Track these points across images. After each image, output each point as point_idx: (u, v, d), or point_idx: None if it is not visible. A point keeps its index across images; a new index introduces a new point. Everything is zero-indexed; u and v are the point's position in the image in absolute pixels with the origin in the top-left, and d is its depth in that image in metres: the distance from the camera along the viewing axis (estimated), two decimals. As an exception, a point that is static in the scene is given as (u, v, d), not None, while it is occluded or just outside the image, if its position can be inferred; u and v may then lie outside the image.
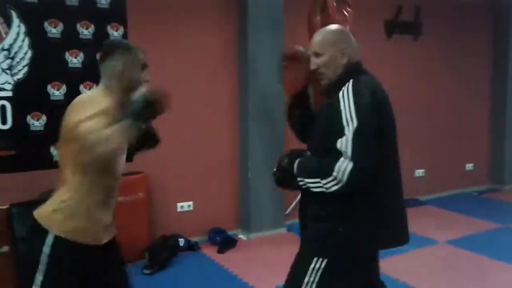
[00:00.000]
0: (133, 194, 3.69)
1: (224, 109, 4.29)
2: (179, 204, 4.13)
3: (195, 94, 4.10)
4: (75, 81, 3.54)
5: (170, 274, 3.56)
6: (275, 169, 2.00)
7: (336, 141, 1.72)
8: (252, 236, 4.31)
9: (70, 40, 3.51)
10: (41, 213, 1.85)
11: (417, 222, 4.64)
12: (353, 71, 1.87)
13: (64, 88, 3.51)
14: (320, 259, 1.82)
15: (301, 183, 1.86)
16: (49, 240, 1.80)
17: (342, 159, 1.70)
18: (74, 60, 3.54)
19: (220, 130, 4.28)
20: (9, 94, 3.31)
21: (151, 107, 1.73)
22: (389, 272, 3.44)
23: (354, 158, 1.69)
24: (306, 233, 1.97)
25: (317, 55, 1.90)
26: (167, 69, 3.89)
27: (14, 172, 3.36)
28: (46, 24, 3.41)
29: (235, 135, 4.35)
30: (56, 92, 3.49)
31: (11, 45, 3.30)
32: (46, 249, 1.81)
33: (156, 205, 3.99)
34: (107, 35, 3.64)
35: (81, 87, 3.55)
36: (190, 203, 4.19)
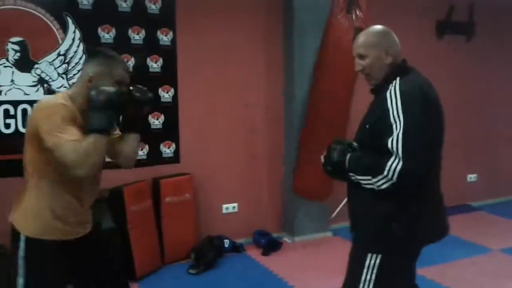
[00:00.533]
0: (180, 195, 3.77)
1: (270, 110, 4.30)
2: (224, 206, 4.18)
3: (242, 96, 4.14)
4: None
5: (216, 274, 3.60)
6: (323, 162, 2.06)
7: (384, 139, 1.74)
8: (296, 239, 4.30)
9: (122, 45, 3.63)
10: (13, 218, 1.86)
11: (468, 228, 4.49)
12: (400, 69, 1.89)
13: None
14: (375, 255, 1.84)
15: (352, 177, 1.91)
16: (21, 242, 1.80)
17: (392, 158, 1.72)
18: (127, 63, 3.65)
19: (266, 131, 4.30)
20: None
21: (112, 111, 1.74)
22: (439, 279, 3.34)
23: (403, 157, 1.70)
24: (358, 231, 1.98)
25: (361, 57, 1.92)
26: (215, 72, 3.95)
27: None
28: (99, 30, 3.55)
29: (280, 136, 4.35)
30: (109, 95, 3.61)
31: (66, 51, 3.45)
32: (21, 252, 1.80)
33: (202, 206, 4.05)
34: (157, 40, 3.74)
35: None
36: (235, 204, 4.23)
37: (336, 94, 3.94)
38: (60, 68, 3.43)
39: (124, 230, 3.38)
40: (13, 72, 3.29)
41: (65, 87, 3.45)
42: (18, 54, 3.29)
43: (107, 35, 3.58)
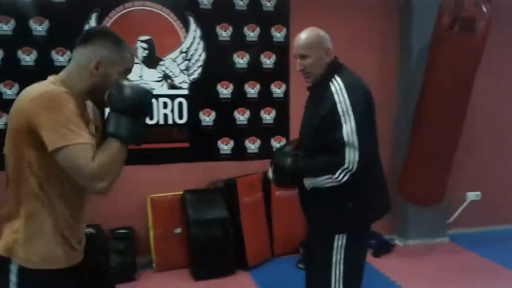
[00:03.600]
0: (291, 189, 3.78)
1: (382, 111, 4.15)
2: (334, 203, 4.11)
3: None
4: (240, 81, 3.79)
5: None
6: (270, 172, 2.17)
7: (334, 133, 1.85)
8: (409, 242, 4.10)
9: (238, 42, 3.77)
10: (3, 245, 1.42)
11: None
12: (336, 67, 2.04)
13: (231, 87, 3.77)
14: (341, 236, 1.96)
15: (308, 182, 1.99)
16: (13, 275, 1.41)
17: (347, 149, 1.84)
18: (241, 61, 3.78)
19: (378, 125, 4.15)
20: (186, 92, 3.68)
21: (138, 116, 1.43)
22: None
23: (360, 147, 1.84)
24: (318, 217, 2.10)
25: (303, 57, 2.03)
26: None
27: (188, 162, 3.71)
28: (218, 28, 3.72)
29: (392, 135, 4.19)
30: (224, 90, 3.77)
31: (188, 48, 3.67)
32: (12, 286, 1.42)
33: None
34: (270, 36, 3.83)
35: (246, 86, 3.79)
36: (345, 203, 4.14)
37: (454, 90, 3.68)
38: (182, 64, 3.65)
39: (237, 220, 3.49)
40: (141, 68, 3.57)
41: (186, 82, 3.66)
42: (146, 51, 3.57)
43: (224, 33, 3.73)
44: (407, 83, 4.04)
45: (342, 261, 1.98)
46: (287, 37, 3.84)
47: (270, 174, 2.20)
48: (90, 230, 3.35)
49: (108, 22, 3.45)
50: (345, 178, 1.87)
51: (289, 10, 3.85)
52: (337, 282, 1.99)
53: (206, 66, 3.70)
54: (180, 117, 3.68)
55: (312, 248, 2.16)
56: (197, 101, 3.72)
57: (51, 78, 1.48)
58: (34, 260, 1.41)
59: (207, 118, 3.76)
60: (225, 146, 3.83)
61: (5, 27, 3.30)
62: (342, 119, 1.86)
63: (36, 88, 1.39)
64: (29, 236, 1.41)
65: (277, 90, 3.89)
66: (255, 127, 3.88)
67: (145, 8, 3.54)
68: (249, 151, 3.89)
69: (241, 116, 3.83)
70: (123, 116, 1.39)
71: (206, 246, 3.35)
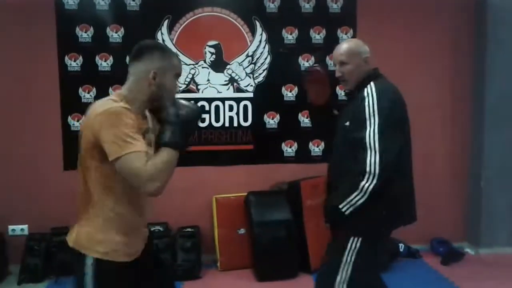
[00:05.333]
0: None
1: (454, 113, 3.99)
2: (400, 209, 4.01)
3: (422, 97, 3.93)
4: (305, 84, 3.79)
5: (392, 279, 3.41)
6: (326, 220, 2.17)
7: (359, 133, 1.94)
8: (481, 251, 3.90)
9: (303, 45, 3.77)
10: (76, 239, 1.64)
11: None
12: (373, 75, 2.10)
13: (296, 90, 3.78)
14: (356, 238, 2.00)
15: (347, 206, 1.99)
16: (88, 266, 1.59)
17: (368, 152, 1.91)
18: (306, 64, 3.78)
19: (448, 130, 4.02)
20: (251, 95, 3.74)
21: (190, 128, 1.65)
22: None
23: (380, 151, 1.90)
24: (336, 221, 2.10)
25: (342, 64, 2.11)
26: (395, 70, 3.81)
27: (252, 164, 3.78)
28: (283, 31, 3.74)
29: (464, 140, 4.01)
30: (289, 93, 3.79)
31: (254, 52, 3.72)
32: (89, 274, 1.59)
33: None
34: (336, 38, 3.79)
35: (311, 89, 3.78)
36: (412, 208, 4.03)
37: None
38: (248, 68, 3.72)
39: (300, 222, 3.50)
40: (209, 72, 3.68)
41: (251, 85, 3.72)
42: (214, 56, 3.67)
43: (290, 36, 3.75)
44: (484, 86, 3.85)
45: (351, 264, 2.02)
46: (353, 38, 3.79)
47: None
48: (159, 227, 3.52)
49: (178, 29, 3.59)
50: (371, 186, 1.92)
51: (356, 10, 3.80)
52: (341, 284, 2.04)
53: (271, 69, 3.74)
54: (245, 119, 3.75)
55: (327, 250, 2.22)
56: (262, 104, 3.77)
57: (114, 94, 1.67)
58: (104, 253, 1.60)
59: (272, 120, 3.80)
60: (289, 148, 3.85)
61: (84, 35, 3.53)
62: (367, 122, 1.94)
63: (101, 105, 1.57)
64: (100, 231, 1.61)
65: (343, 92, 3.84)
66: (319, 129, 3.86)
67: (214, 14, 3.64)
68: (313, 153, 3.88)
69: (306, 119, 3.83)
70: (175, 127, 1.58)
71: (269, 247, 3.39)
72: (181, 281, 3.38)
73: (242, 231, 3.59)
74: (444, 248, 3.84)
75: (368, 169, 1.91)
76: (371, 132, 1.92)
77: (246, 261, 3.57)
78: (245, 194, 3.62)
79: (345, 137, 2.08)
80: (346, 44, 2.15)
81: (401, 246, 3.80)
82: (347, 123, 2.07)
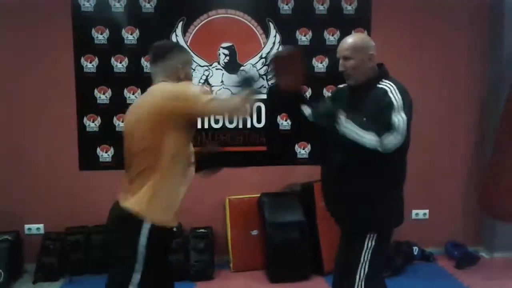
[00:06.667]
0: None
1: (470, 110, 3.96)
2: (414, 211, 3.98)
3: (439, 95, 3.90)
4: (319, 85, 3.79)
5: (406, 281, 3.45)
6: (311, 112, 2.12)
7: (384, 119, 1.89)
8: (496, 255, 3.86)
9: (317, 46, 3.77)
10: (130, 203, 1.89)
11: None
12: (384, 72, 2.08)
13: (309, 91, 3.78)
14: (372, 235, 2.03)
15: (346, 129, 1.88)
16: (144, 230, 1.85)
17: (395, 132, 1.89)
18: (320, 65, 3.78)
19: (462, 133, 3.99)
20: (264, 97, 3.75)
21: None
22: None
23: (403, 137, 1.90)
24: (352, 218, 2.10)
25: (346, 58, 2.05)
26: (410, 69, 3.79)
27: (265, 165, 3.78)
28: (297, 33, 3.74)
29: (479, 144, 3.97)
30: (303, 95, 3.79)
31: (268, 54, 3.73)
32: (143, 239, 1.85)
33: (390, 210, 3.93)
34: (350, 40, 3.78)
35: (324, 91, 3.78)
36: (426, 211, 4.00)
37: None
38: (261, 70, 3.73)
39: (313, 224, 3.49)
40: (223, 74, 3.70)
41: (264, 87, 3.73)
42: (228, 57, 3.69)
43: (304, 37, 3.75)
44: (498, 87, 3.80)
45: (367, 263, 2.05)
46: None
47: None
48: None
49: (193, 30, 3.61)
50: (390, 145, 1.89)
51: (370, 12, 3.79)
52: (360, 282, 2.05)
53: (285, 70, 3.74)
54: (259, 121, 3.76)
55: (340, 249, 2.25)
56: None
57: (163, 82, 2.00)
58: (158, 218, 1.88)
59: (285, 122, 3.80)
60: (303, 150, 3.85)
61: (100, 37, 3.57)
62: (394, 112, 1.90)
63: (159, 88, 1.96)
64: (158, 199, 1.87)
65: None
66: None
67: (228, 16, 3.66)
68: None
69: (319, 121, 3.81)
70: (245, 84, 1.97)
71: (282, 249, 3.39)
72: (194, 281, 3.40)
73: (255, 232, 3.60)
74: (458, 251, 3.80)
75: (396, 126, 1.88)
76: (400, 120, 1.89)
77: (259, 262, 3.58)
78: (258, 195, 3.63)
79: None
80: (351, 39, 2.09)
81: (415, 249, 3.78)
82: (365, 116, 1.98)
